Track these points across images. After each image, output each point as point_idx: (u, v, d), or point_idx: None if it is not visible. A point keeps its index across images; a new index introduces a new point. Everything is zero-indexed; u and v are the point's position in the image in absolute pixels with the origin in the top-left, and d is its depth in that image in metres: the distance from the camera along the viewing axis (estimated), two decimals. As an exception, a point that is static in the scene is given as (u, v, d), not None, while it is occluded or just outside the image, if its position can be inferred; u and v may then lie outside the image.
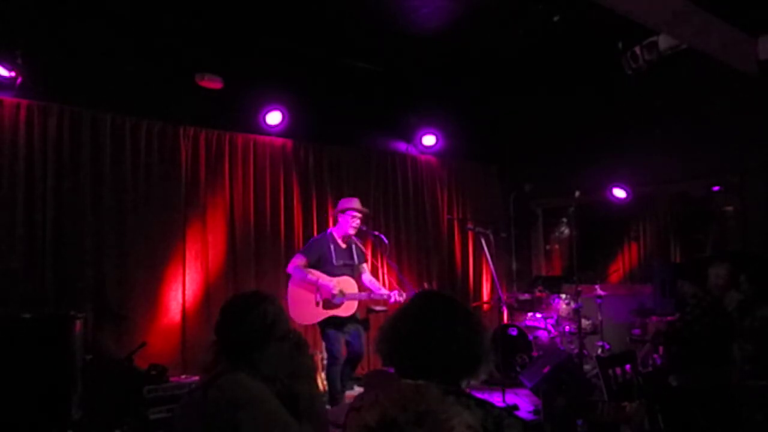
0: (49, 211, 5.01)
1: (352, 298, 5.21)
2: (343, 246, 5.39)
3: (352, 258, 5.42)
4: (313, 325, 5.35)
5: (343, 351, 5.28)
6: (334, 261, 5.27)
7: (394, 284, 6.13)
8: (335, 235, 5.40)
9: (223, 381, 2.06)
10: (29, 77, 4.91)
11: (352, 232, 5.37)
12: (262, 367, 2.14)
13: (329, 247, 5.30)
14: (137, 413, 4.50)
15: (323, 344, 5.43)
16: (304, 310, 5.20)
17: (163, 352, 5.32)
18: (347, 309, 5.19)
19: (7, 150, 4.90)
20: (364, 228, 5.88)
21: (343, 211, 5.39)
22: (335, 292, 5.13)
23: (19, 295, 4.78)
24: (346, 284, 5.26)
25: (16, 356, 3.95)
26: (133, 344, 5.03)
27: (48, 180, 5.03)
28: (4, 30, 4.76)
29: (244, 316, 2.17)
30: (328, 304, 5.17)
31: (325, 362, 5.86)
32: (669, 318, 5.74)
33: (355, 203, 5.43)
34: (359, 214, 5.38)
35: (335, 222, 5.61)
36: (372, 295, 5.39)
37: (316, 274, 5.17)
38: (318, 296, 5.19)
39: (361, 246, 5.53)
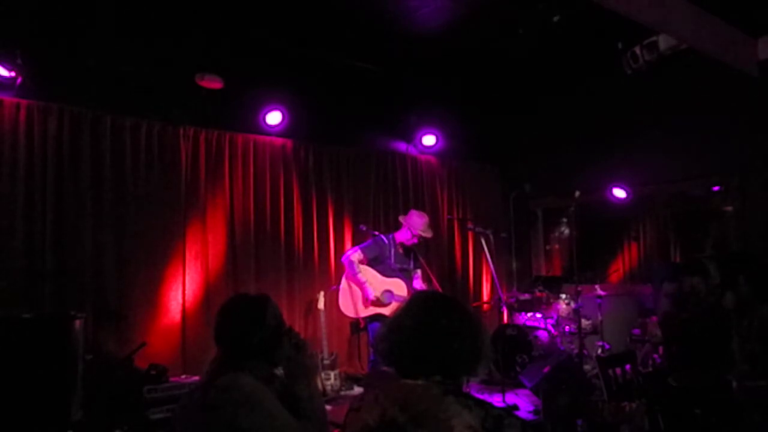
0: (49, 211, 5.01)
1: (398, 299, 5.28)
2: (402, 251, 5.58)
3: (408, 263, 5.59)
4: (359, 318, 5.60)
5: None
6: (392, 264, 5.43)
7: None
8: (396, 240, 5.55)
9: (223, 381, 2.06)
10: (29, 77, 4.91)
11: (409, 244, 5.57)
12: (281, 363, 2.17)
13: (389, 250, 5.46)
14: (137, 413, 4.50)
15: (329, 345, 5.54)
16: (353, 303, 5.45)
17: (163, 352, 5.32)
18: (393, 310, 5.27)
19: (7, 150, 4.90)
20: (364, 228, 5.92)
21: (410, 226, 5.53)
22: (372, 298, 5.32)
23: (19, 295, 4.78)
24: (397, 286, 5.40)
25: (16, 356, 3.95)
26: (133, 344, 5.04)
27: (48, 180, 5.03)
28: (4, 30, 4.76)
29: (262, 318, 2.19)
30: (376, 301, 5.35)
31: (328, 362, 5.92)
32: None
33: (423, 226, 5.54)
34: (420, 235, 5.52)
35: (398, 225, 5.73)
36: None
37: (366, 275, 5.29)
38: (364, 295, 5.41)
39: (419, 255, 5.68)
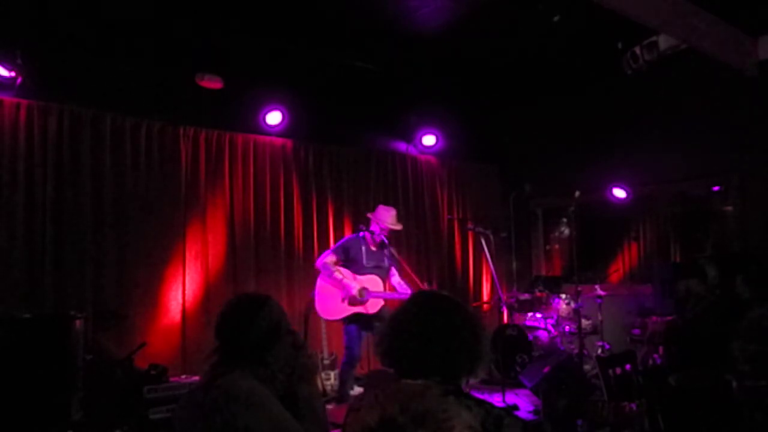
0: (49, 211, 5.01)
1: (375, 296, 5.24)
2: (375, 249, 5.46)
3: (382, 260, 5.48)
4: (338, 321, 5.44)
5: (361, 352, 5.43)
6: (364, 262, 5.35)
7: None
8: (367, 237, 5.45)
9: (223, 381, 2.06)
10: (29, 77, 4.91)
11: (378, 240, 5.45)
12: (273, 366, 2.15)
13: (360, 249, 5.36)
14: (137, 413, 4.50)
15: (329, 345, 5.44)
16: (330, 305, 5.30)
17: (163, 352, 5.32)
18: (372, 306, 5.24)
19: (7, 150, 4.90)
20: (364, 228, 5.88)
21: (378, 220, 5.44)
22: (354, 293, 5.19)
23: (19, 295, 4.78)
24: (372, 283, 5.32)
25: (16, 356, 3.95)
26: (133, 344, 5.03)
27: (48, 180, 5.03)
28: (4, 30, 4.76)
29: (254, 317, 2.18)
30: (354, 300, 5.24)
31: (328, 362, 5.90)
32: (669, 318, 5.75)
33: (391, 219, 5.44)
34: (389, 229, 5.42)
35: (368, 224, 5.60)
36: (397, 295, 5.45)
37: (342, 273, 5.22)
38: (343, 293, 5.27)
39: (393, 251, 5.56)
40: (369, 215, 5.59)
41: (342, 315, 5.26)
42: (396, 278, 5.62)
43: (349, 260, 5.35)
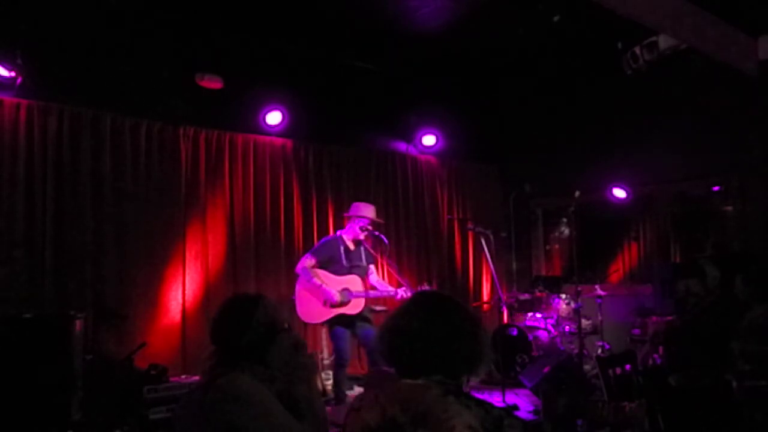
0: (49, 211, 5.01)
1: (358, 295, 5.22)
2: (353, 248, 5.40)
3: (360, 260, 5.42)
4: (321, 324, 5.39)
5: (350, 352, 5.37)
6: (344, 262, 5.29)
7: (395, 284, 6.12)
8: (345, 237, 5.40)
9: (223, 381, 2.06)
10: (29, 77, 4.92)
11: (361, 237, 5.40)
12: (272, 366, 2.15)
13: (339, 249, 5.31)
14: (137, 413, 4.50)
15: (329, 345, 5.44)
16: (312, 309, 5.23)
17: (163, 352, 5.32)
18: (354, 307, 5.20)
19: (7, 150, 4.91)
20: (371, 229, 5.86)
21: (358, 218, 5.38)
22: (336, 300, 5.11)
23: (19, 295, 4.79)
24: (353, 283, 5.28)
25: (16, 356, 3.95)
26: (133, 344, 5.03)
27: (48, 180, 5.04)
28: (4, 30, 4.76)
29: (249, 318, 2.17)
30: (337, 302, 5.17)
31: (328, 362, 5.88)
32: (669, 318, 5.76)
33: (370, 213, 5.40)
34: (370, 227, 5.35)
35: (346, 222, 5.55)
36: (378, 293, 5.43)
37: (321, 278, 5.17)
38: (324, 299, 5.19)
39: (370, 248, 5.51)
40: (347, 215, 5.53)
41: (325, 318, 5.19)
42: (374, 276, 5.58)
43: (327, 261, 5.28)
